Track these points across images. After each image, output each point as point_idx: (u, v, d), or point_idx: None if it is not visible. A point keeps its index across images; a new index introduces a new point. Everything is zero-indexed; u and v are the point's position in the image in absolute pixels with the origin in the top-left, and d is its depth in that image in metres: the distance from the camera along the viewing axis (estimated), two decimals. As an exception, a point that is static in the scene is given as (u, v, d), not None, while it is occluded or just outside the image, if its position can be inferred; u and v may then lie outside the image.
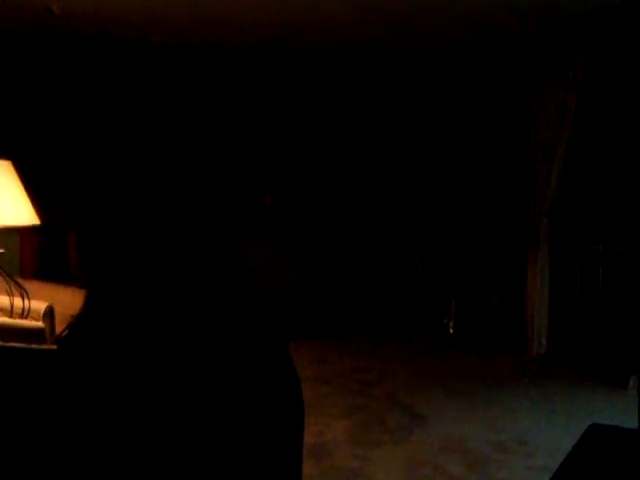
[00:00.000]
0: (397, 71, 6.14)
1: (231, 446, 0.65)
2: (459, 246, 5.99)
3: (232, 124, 5.85)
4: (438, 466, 3.28)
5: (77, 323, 0.66)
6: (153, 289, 0.66)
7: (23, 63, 5.29)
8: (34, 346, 2.72)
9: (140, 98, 5.55)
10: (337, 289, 6.08)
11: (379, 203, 6.26)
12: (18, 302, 3.24)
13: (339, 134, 6.13)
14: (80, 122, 5.44)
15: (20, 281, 3.36)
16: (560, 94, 4.93)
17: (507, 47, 5.38)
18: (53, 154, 5.35)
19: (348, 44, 5.56)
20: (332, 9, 4.56)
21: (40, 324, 3.00)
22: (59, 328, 3.28)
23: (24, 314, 3.22)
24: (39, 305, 3.32)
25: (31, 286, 3.44)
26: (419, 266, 6.22)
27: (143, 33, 5.25)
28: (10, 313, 3.19)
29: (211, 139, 5.77)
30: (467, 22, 4.85)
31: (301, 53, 5.81)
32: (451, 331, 5.81)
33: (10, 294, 3.21)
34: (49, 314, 3.30)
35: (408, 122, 6.20)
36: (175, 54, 5.59)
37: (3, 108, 5.17)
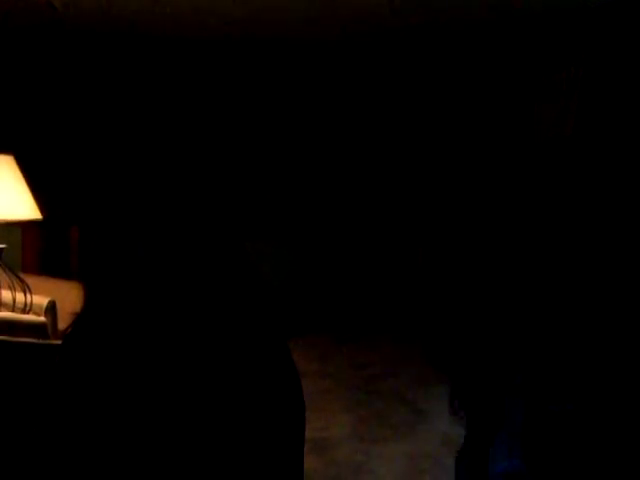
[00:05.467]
0: (399, 65, 6.12)
1: (231, 442, 0.65)
2: (461, 240, 5.98)
3: (229, 120, 5.84)
4: (440, 461, 3.28)
5: (80, 319, 0.66)
6: (154, 285, 0.66)
7: (25, 58, 5.29)
8: (37, 341, 2.73)
9: (142, 93, 5.54)
10: (339, 284, 6.08)
11: (380, 198, 6.25)
12: (20, 297, 3.25)
13: (337, 124, 6.12)
14: (82, 117, 5.44)
15: (22, 276, 3.37)
16: (561, 91, 4.91)
17: (507, 44, 5.36)
18: (55, 148, 5.35)
19: (347, 36, 5.55)
20: None
21: (42, 319, 3.01)
22: (61, 323, 3.29)
23: (26, 309, 3.22)
24: (41, 300, 3.33)
25: (33, 281, 3.45)
26: (420, 260, 6.22)
27: (146, 28, 5.24)
28: (12, 308, 3.19)
29: (209, 136, 5.76)
30: (464, 17, 4.83)
31: (299, 47, 5.80)
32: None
33: (12, 289, 3.22)
34: (51, 309, 3.31)
35: (410, 115, 6.19)
36: (178, 49, 5.58)
37: (5, 102, 5.17)
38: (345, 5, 4.63)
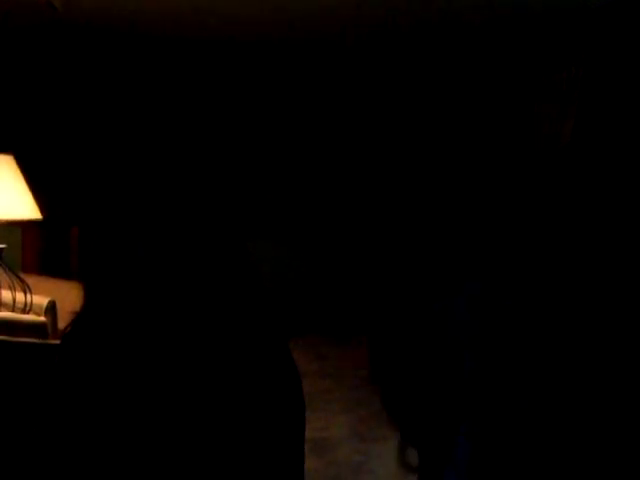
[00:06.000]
0: (396, 66, 6.12)
1: (232, 442, 0.65)
2: (460, 241, 5.97)
3: (230, 120, 5.84)
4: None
5: (79, 319, 0.66)
6: (154, 285, 0.66)
7: (26, 57, 5.28)
8: (37, 341, 2.73)
9: (143, 93, 5.54)
10: (339, 284, 6.08)
11: (379, 198, 6.25)
12: (20, 297, 3.25)
13: (338, 125, 6.12)
14: (83, 117, 5.44)
15: (22, 276, 3.37)
16: (561, 91, 4.91)
17: (507, 44, 5.36)
18: (56, 148, 5.34)
19: (347, 36, 5.55)
20: None
21: (42, 319, 3.01)
22: (61, 323, 3.28)
23: (26, 309, 3.22)
24: (41, 300, 3.33)
25: (33, 281, 3.45)
26: (418, 262, 6.21)
27: (146, 27, 5.23)
28: (12, 308, 3.19)
29: (209, 135, 5.76)
30: (466, 15, 4.83)
31: (300, 47, 5.80)
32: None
33: (12, 289, 3.22)
34: (51, 309, 3.31)
35: (410, 117, 6.18)
36: (178, 49, 5.58)
37: (5, 102, 5.17)
38: (345, 6, 4.63)
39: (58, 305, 3.33)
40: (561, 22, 4.88)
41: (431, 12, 4.77)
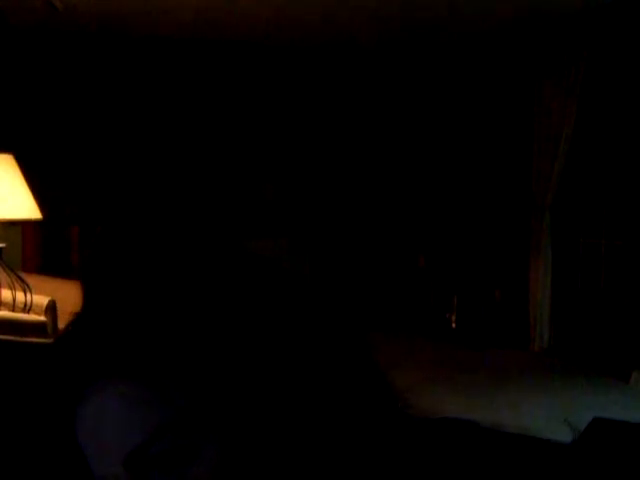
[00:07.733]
0: (398, 66, 6.12)
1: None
2: (461, 241, 5.98)
3: (234, 119, 5.84)
4: (440, 460, 3.28)
5: (76, 321, 0.66)
6: (152, 288, 0.66)
7: (26, 58, 5.28)
8: (37, 340, 2.73)
9: (143, 93, 5.54)
10: (339, 285, 6.08)
11: (381, 199, 6.25)
12: (20, 296, 3.25)
13: (341, 127, 6.12)
14: (83, 117, 5.44)
15: (22, 275, 3.37)
16: (563, 89, 4.91)
17: (509, 41, 5.36)
18: (56, 148, 5.34)
19: (352, 36, 5.55)
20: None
21: (42, 318, 3.01)
22: (61, 323, 3.29)
23: (26, 308, 3.23)
24: (41, 299, 3.33)
25: (33, 280, 3.45)
26: (421, 261, 6.22)
27: (146, 28, 5.24)
28: (12, 307, 3.20)
29: (210, 135, 5.76)
30: (466, 13, 4.83)
31: (304, 46, 5.80)
32: (453, 326, 5.81)
33: (13, 288, 3.22)
34: (51, 308, 3.31)
35: (410, 117, 6.18)
36: (180, 49, 5.58)
37: (6, 102, 5.17)
38: (355, 5, 4.64)
39: (58, 305, 3.33)
40: (563, 19, 4.88)
41: (432, 10, 4.77)
